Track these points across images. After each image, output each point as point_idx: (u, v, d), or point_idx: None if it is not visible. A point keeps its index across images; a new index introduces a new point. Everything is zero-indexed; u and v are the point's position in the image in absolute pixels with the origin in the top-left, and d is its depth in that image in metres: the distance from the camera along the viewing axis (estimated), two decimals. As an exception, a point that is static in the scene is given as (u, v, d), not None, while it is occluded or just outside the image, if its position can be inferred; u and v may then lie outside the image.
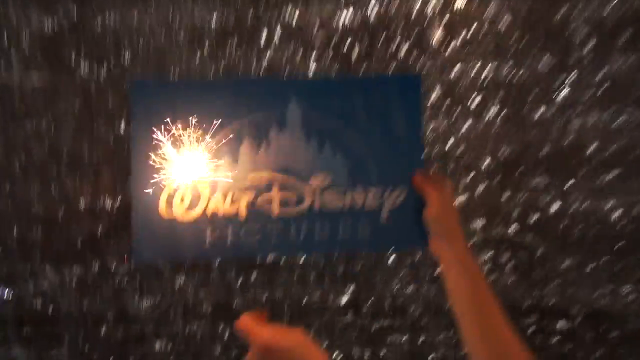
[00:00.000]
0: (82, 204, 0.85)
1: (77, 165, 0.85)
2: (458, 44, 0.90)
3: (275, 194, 0.72)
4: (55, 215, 0.84)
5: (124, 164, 0.85)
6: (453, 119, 0.91)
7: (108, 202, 0.85)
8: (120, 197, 0.85)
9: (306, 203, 0.72)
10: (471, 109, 0.91)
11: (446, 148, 0.91)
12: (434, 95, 0.90)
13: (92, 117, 0.86)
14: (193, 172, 0.74)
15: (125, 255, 0.85)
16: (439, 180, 0.73)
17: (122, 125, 0.86)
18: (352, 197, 0.73)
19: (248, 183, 0.72)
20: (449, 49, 0.90)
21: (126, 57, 0.86)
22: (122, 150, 0.85)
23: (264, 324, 0.56)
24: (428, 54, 0.90)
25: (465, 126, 0.91)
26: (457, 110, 0.91)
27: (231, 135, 0.73)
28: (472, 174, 0.92)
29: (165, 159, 0.74)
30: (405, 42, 0.89)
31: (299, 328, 0.54)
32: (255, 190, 0.72)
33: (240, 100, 0.75)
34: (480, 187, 0.92)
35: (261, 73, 0.88)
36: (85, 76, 0.85)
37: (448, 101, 0.91)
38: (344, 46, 0.89)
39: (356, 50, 0.89)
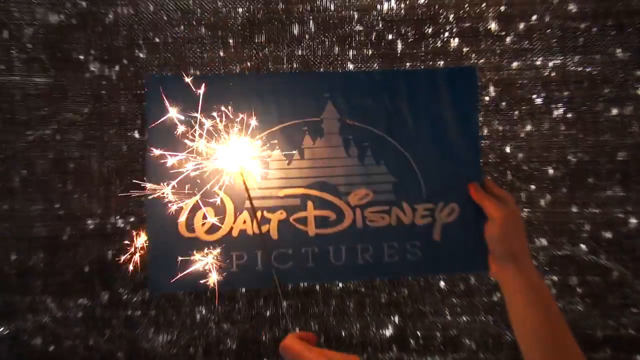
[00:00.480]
0: (91, 223, 0.74)
1: (85, 178, 0.75)
2: (516, 36, 0.79)
3: (311, 212, 0.63)
4: (59, 237, 0.74)
5: (138, 175, 0.75)
6: (511, 122, 0.79)
7: (120, 221, 0.75)
8: (134, 214, 0.75)
9: (346, 222, 0.63)
10: (533, 110, 0.79)
11: (503, 155, 0.79)
12: (488, 96, 0.79)
13: (102, 122, 0.75)
14: (217, 182, 0.64)
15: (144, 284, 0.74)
16: (501, 193, 0.62)
17: (136, 132, 0.75)
18: (398, 215, 0.64)
19: (280, 200, 0.63)
20: (506, 42, 0.79)
21: (140, 54, 0.76)
22: (138, 160, 0.75)
23: (313, 348, 0.48)
24: (482, 48, 0.79)
25: (526, 130, 0.79)
26: (516, 112, 0.79)
27: (260, 145, 0.64)
28: (534, 185, 0.80)
29: (184, 167, 0.65)
30: (456, 35, 0.78)
31: (355, 356, 0.46)
32: (288, 207, 0.63)
33: (268, 101, 0.65)
34: (544, 200, 0.80)
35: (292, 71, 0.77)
36: (95, 76, 0.75)
37: (505, 102, 0.79)
38: (385, 40, 0.78)
39: (399, 44, 0.78)
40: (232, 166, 0.61)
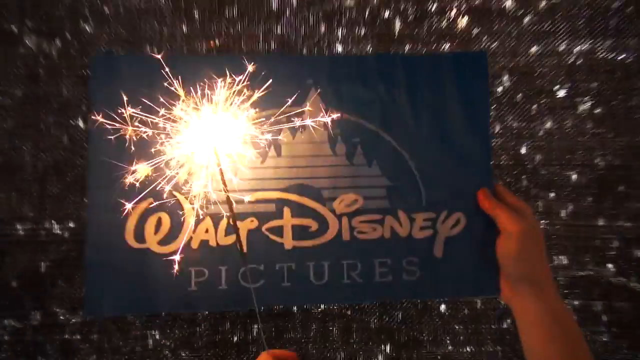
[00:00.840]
0: (21, 229, 0.62)
1: (15, 173, 0.62)
2: (536, 15, 0.66)
3: (288, 221, 0.54)
4: (-19, 244, 0.61)
5: (80, 172, 0.63)
6: (528, 118, 0.67)
7: (57, 227, 0.62)
8: (74, 218, 0.62)
9: (330, 233, 0.54)
10: (554, 104, 0.67)
11: (518, 157, 0.67)
12: (502, 86, 0.67)
13: (39, 107, 0.63)
14: (172, 182, 0.53)
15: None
16: (516, 203, 0.53)
17: (80, 121, 0.63)
18: (392, 225, 0.55)
19: (250, 205, 0.54)
20: (524, 23, 0.67)
21: (86, 27, 0.63)
22: (79, 153, 0.63)
23: None
24: (495, 30, 0.66)
25: (546, 127, 0.67)
26: (534, 106, 0.67)
27: (252, 119, 0.53)
28: (553, 193, 0.67)
29: (133, 161, 0.53)
30: (464, 13, 0.66)
31: None
32: (260, 214, 0.54)
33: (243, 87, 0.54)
34: (566, 211, 0.67)
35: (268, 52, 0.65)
36: (31, 52, 0.63)
37: (521, 94, 0.67)
38: (381, 18, 0.66)
39: (397, 23, 0.66)
40: (205, 145, 0.50)
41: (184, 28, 0.64)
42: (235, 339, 0.65)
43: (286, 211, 0.54)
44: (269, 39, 0.65)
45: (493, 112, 0.67)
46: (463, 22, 0.66)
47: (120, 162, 0.54)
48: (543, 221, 0.68)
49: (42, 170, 0.62)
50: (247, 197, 0.55)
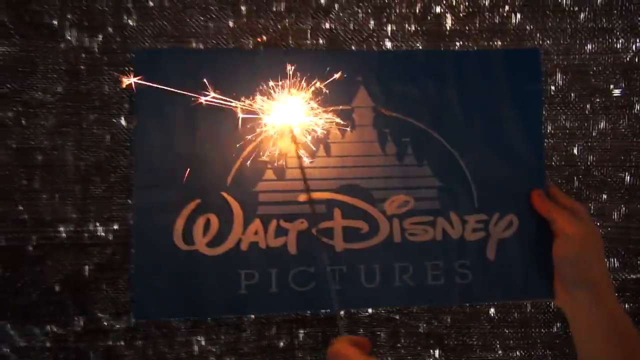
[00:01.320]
0: (63, 231, 0.60)
1: (56, 174, 0.60)
2: (592, 12, 0.64)
3: (339, 222, 0.53)
4: (23, 247, 0.59)
5: (124, 172, 0.60)
6: (582, 117, 0.66)
7: (101, 229, 0.60)
8: (118, 220, 0.60)
9: (381, 235, 0.53)
10: (609, 103, 0.65)
11: (570, 158, 0.65)
12: (555, 85, 0.65)
13: (80, 104, 0.61)
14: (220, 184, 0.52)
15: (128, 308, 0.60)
16: (572, 205, 0.52)
17: (122, 119, 0.61)
18: (444, 227, 0.54)
19: (300, 206, 0.53)
20: (579, 19, 0.65)
21: (129, 22, 0.61)
22: (122, 152, 0.60)
23: (370, 358, 0.42)
24: (549, 27, 0.65)
25: (599, 127, 0.66)
26: (588, 106, 0.65)
27: (274, 138, 0.53)
28: (606, 195, 0.66)
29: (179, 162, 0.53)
30: (518, 9, 0.64)
31: None
32: (310, 216, 0.53)
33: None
34: (618, 213, 0.66)
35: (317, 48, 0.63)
36: (72, 47, 0.60)
37: (575, 93, 0.65)
38: (432, 13, 0.64)
39: (448, 19, 0.64)
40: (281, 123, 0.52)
41: (231, 23, 0.61)
42: (282, 344, 0.63)
43: (337, 212, 0.53)
44: (316, 34, 0.63)
45: (545, 112, 0.65)
46: (517, 18, 0.64)
47: (167, 159, 0.52)
48: (595, 223, 0.66)
49: (85, 171, 0.60)
50: (297, 198, 0.53)
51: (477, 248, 0.54)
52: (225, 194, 0.52)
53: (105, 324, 0.59)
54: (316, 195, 0.53)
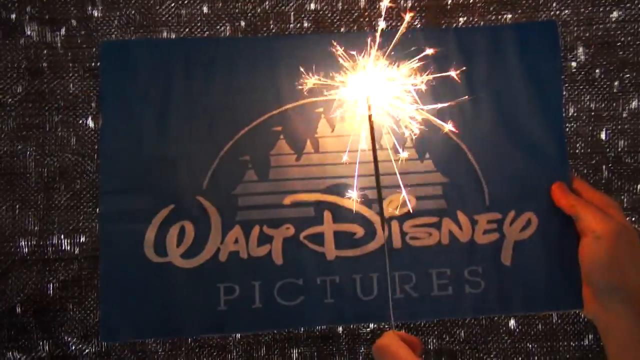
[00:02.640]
0: (25, 245, 0.54)
1: (17, 181, 0.55)
2: (615, -25, 0.57)
3: (329, 227, 0.48)
4: (-18, 264, 0.54)
5: (91, 178, 0.55)
6: (609, 97, 0.57)
7: (66, 242, 0.54)
8: (85, 232, 0.55)
9: (378, 240, 0.48)
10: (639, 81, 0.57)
11: (597, 143, 0.57)
12: (576, 61, 0.57)
13: (43, 105, 0.56)
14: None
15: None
16: (600, 199, 0.47)
17: (90, 119, 0.55)
18: (451, 229, 0.49)
19: (286, 209, 0.48)
20: (601, -15, 0.57)
21: (94, 12, 0.56)
22: (89, 156, 0.55)
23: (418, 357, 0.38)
24: (565, -5, 0.57)
25: (631, 107, 0.57)
26: (616, 83, 0.57)
27: (256, 134, 0.48)
28: (641, 185, 0.57)
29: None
30: (529, -23, 0.57)
31: None
32: (297, 220, 0.48)
33: (267, 73, 0.49)
34: (657, 205, 0.57)
35: (302, 32, 0.56)
36: (33, 42, 0.56)
37: (600, 68, 0.57)
38: (431, -13, 0.57)
39: (450, -7, 0.57)
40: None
41: (205, 9, 0.56)
42: (273, 366, 0.57)
43: (327, 215, 0.48)
44: (300, 17, 0.56)
45: (565, 92, 0.57)
46: (527, -13, 0.57)
47: (136, 161, 0.48)
48: (628, 218, 0.57)
49: (48, 177, 0.54)
50: (282, 200, 0.48)
51: (490, 252, 0.48)
52: (201, 198, 0.47)
53: (73, 347, 0.53)
54: (303, 197, 0.48)
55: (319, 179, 0.48)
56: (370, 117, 0.45)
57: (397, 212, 0.48)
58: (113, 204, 0.47)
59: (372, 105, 0.46)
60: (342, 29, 0.57)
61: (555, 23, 0.51)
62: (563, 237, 0.48)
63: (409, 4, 0.57)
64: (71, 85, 0.55)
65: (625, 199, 0.57)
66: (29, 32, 0.55)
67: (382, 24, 0.57)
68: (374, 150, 0.45)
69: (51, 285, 0.53)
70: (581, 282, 0.47)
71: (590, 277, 0.45)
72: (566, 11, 0.57)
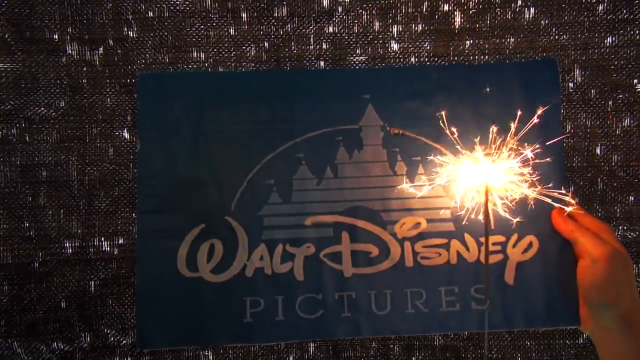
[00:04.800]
0: (69, 247, 0.59)
1: (61, 189, 0.60)
2: (611, 3, 0.61)
3: (347, 246, 0.51)
4: (29, 264, 0.59)
5: (128, 185, 0.60)
6: (603, 115, 0.62)
7: (106, 244, 0.59)
8: (123, 234, 0.59)
9: (391, 259, 0.52)
10: (632, 99, 0.61)
11: (592, 158, 0.62)
12: (573, 82, 0.62)
13: (83, 118, 0.60)
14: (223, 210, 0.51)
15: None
16: (596, 225, 0.50)
17: (125, 131, 0.60)
18: (459, 250, 0.52)
19: (307, 230, 0.52)
20: (598, 11, 0.61)
21: (130, 32, 0.60)
22: (125, 165, 0.59)
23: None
24: (565, 21, 0.61)
25: (623, 125, 0.62)
26: (610, 102, 0.61)
27: (281, 160, 0.52)
28: (632, 196, 0.62)
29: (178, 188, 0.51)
30: (532, 3, 0.61)
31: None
32: (317, 240, 0.51)
33: (292, 104, 0.53)
34: (646, 216, 0.62)
35: (321, 60, 0.61)
36: (74, 60, 0.60)
37: (595, 89, 0.61)
38: (440, 11, 0.61)
39: (457, 17, 0.61)
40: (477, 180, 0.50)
41: (232, 31, 0.60)
42: (292, 358, 0.62)
43: (345, 236, 0.51)
44: (319, 39, 0.61)
45: (563, 110, 0.61)
46: (530, 12, 0.61)
47: (171, 184, 0.51)
48: (621, 227, 0.62)
49: (89, 185, 0.59)
50: (304, 221, 0.51)
51: (495, 272, 0.51)
52: (229, 219, 0.50)
53: (112, 339, 0.59)
54: (323, 218, 0.51)
55: (337, 202, 0.51)
56: (486, 202, 0.48)
57: (410, 234, 0.51)
58: (148, 223, 0.50)
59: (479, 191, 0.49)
60: (357, 50, 0.61)
61: (555, 61, 0.54)
62: (562, 259, 0.51)
63: (420, 28, 0.61)
64: (108, 100, 0.60)
65: (618, 210, 0.62)
66: (69, 51, 0.59)
67: (395, 46, 0.62)
68: (487, 231, 0.48)
69: (92, 283, 0.58)
70: (578, 300, 0.50)
71: (587, 297, 0.48)
72: (564, 36, 0.61)
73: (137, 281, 0.50)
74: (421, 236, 0.51)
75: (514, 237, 0.51)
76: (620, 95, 0.61)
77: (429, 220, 0.51)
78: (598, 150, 0.62)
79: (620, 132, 0.61)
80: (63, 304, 0.58)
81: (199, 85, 0.52)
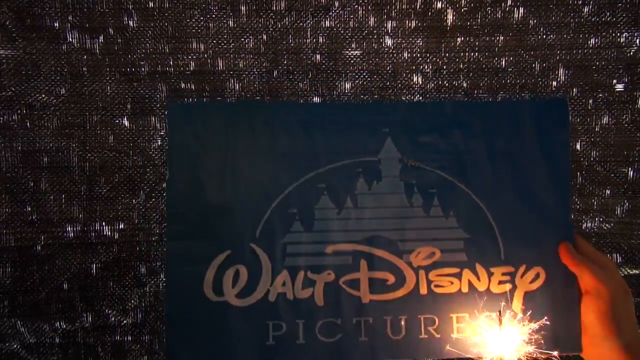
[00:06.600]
0: (71, 231, 0.61)
1: (62, 175, 0.61)
2: (596, 5, 0.63)
3: (364, 274, 0.53)
4: (31, 247, 0.61)
5: (128, 173, 0.61)
6: (584, 113, 0.65)
7: (107, 228, 0.61)
8: (124, 220, 0.61)
9: (407, 287, 0.54)
10: (611, 99, 0.65)
11: (573, 153, 0.65)
12: (557, 81, 0.64)
13: (83, 105, 0.61)
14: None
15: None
16: (599, 258, 0.52)
17: (125, 119, 0.61)
18: (470, 279, 0.54)
19: (327, 257, 0.53)
20: (583, 13, 0.64)
21: (130, 21, 0.61)
22: (125, 153, 0.61)
23: None
24: (552, 21, 0.64)
25: (602, 123, 0.65)
26: (590, 101, 0.65)
27: (303, 190, 0.54)
28: (609, 190, 0.66)
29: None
30: (521, 3, 0.63)
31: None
32: (337, 267, 0.53)
33: (315, 136, 0.54)
34: (621, 208, 0.66)
35: (317, 54, 0.62)
36: (74, 48, 0.61)
37: (577, 88, 0.64)
38: (433, 9, 0.63)
39: (450, 15, 0.63)
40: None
41: (231, 22, 0.62)
42: None
43: (363, 264, 0.53)
44: (316, 32, 0.63)
45: (547, 107, 0.65)
46: (519, 12, 0.64)
47: (199, 211, 0.52)
48: (597, 219, 0.66)
49: (90, 171, 0.61)
50: (324, 249, 0.53)
51: (504, 300, 0.54)
52: (254, 245, 0.52)
53: (113, 319, 0.61)
54: (342, 246, 0.53)
55: (356, 231, 0.53)
56: None
57: (425, 263, 0.53)
58: (177, 248, 0.51)
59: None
60: (353, 45, 0.63)
61: (566, 101, 0.56)
62: (566, 289, 0.53)
63: (413, 25, 0.63)
64: (109, 88, 0.61)
65: (595, 202, 0.66)
66: (70, 39, 0.60)
67: (389, 42, 0.63)
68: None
69: (94, 266, 0.61)
70: (581, 329, 0.52)
71: (589, 327, 0.50)
72: (552, 36, 0.64)
73: (167, 305, 0.51)
74: (435, 265, 0.53)
75: (522, 267, 0.54)
76: (600, 95, 0.64)
77: (442, 251, 0.53)
78: (578, 146, 0.65)
79: (599, 130, 0.65)
80: (65, 286, 0.60)
81: (226, 116, 0.53)
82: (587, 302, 0.50)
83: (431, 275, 0.53)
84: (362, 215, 0.53)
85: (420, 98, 0.65)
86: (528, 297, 0.53)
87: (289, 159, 0.53)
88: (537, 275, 0.53)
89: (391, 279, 0.53)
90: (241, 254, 0.52)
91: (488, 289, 0.53)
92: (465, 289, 0.53)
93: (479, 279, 0.53)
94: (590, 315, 0.49)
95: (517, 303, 0.53)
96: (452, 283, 0.53)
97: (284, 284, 0.52)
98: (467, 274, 0.53)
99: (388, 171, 0.54)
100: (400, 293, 0.53)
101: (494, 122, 0.55)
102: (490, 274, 0.53)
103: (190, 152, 0.53)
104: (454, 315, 0.53)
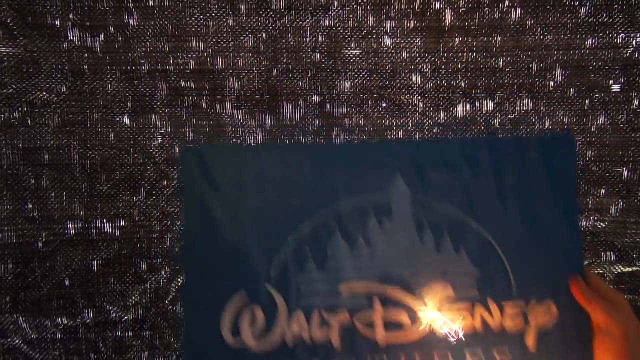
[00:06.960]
0: (72, 228, 0.62)
1: (63, 172, 0.61)
2: (593, 6, 0.64)
3: (378, 312, 0.53)
4: (33, 244, 0.61)
5: (128, 170, 0.62)
6: (580, 113, 0.66)
7: (108, 225, 0.62)
8: (124, 217, 0.62)
9: (421, 325, 0.53)
10: (607, 99, 0.65)
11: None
12: (554, 81, 0.65)
13: (84, 103, 0.62)
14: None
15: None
16: (610, 294, 0.52)
17: (126, 117, 0.62)
18: (482, 315, 0.54)
19: (340, 296, 0.53)
20: (580, 14, 0.64)
21: (130, 19, 0.62)
22: (126, 150, 0.62)
23: None
24: (549, 22, 0.64)
25: (598, 123, 0.66)
26: (587, 101, 0.65)
27: (315, 228, 0.54)
28: (603, 189, 0.66)
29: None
30: (518, 4, 0.64)
31: None
32: (351, 306, 0.53)
33: (325, 175, 0.54)
34: (616, 207, 0.67)
35: (316, 53, 0.63)
36: (75, 46, 0.61)
37: (574, 88, 0.65)
38: (431, 9, 0.64)
39: (448, 15, 0.64)
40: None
41: (230, 21, 0.62)
42: None
43: (376, 302, 0.53)
44: (315, 31, 0.63)
45: (543, 107, 0.65)
46: (517, 13, 0.64)
47: (214, 253, 0.52)
48: (592, 217, 0.67)
49: (91, 169, 0.61)
50: (338, 287, 0.53)
51: (517, 337, 0.54)
52: (268, 285, 0.52)
53: (113, 315, 0.62)
54: (355, 285, 0.53)
55: (369, 269, 0.53)
56: None
57: (437, 299, 0.53)
58: (195, 291, 0.52)
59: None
60: (352, 44, 0.64)
61: (573, 137, 0.58)
62: (579, 326, 0.53)
63: (412, 25, 0.64)
64: (109, 86, 0.61)
65: (590, 201, 0.67)
66: (71, 37, 0.61)
67: (387, 41, 0.64)
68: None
69: (95, 262, 0.61)
70: None
71: None
72: (549, 36, 0.64)
73: (185, 348, 0.51)
74: (447, 301, 0.53)
75: (533, 301, 0.54)
76: (597, 95, 0.65)
77: (454, 287, 0.54)
78: (573, 147, 0.66)
79: (595, 130, 0.66)
80: (67, 282, 0.61)
81: (237, 159, 0.54)
82: (599, 341, 0.50)
83: (444, 312, 0.53)
84: (374, 253, 0.53)
85: (420, 98, 0.65)
86: (541, 333, 0.53)
87: (300, 198, 0.54)
88: (548, 309, 0.53)
89: (405, 316, 0.53)
90: (256, 294, 0.52)
91: (501, 324, 0.53)
92: (477, 325, 0.53)
93: (491, 314, 0.53)
94: (602, 354, 0.49)
95: (530, 340, 0.53)
96: (464, 319, 0.53)
97: (299, 324, 0.52)
98: (479, 309, 0.53)
99: (399, 209, 0.54)
100: (415, 335, 0.53)
101: (502, 158, 0.55)
102: (502, 309, 0.53)
103: (204, 194, 0.53)
104: (467, 350, 0.53)
